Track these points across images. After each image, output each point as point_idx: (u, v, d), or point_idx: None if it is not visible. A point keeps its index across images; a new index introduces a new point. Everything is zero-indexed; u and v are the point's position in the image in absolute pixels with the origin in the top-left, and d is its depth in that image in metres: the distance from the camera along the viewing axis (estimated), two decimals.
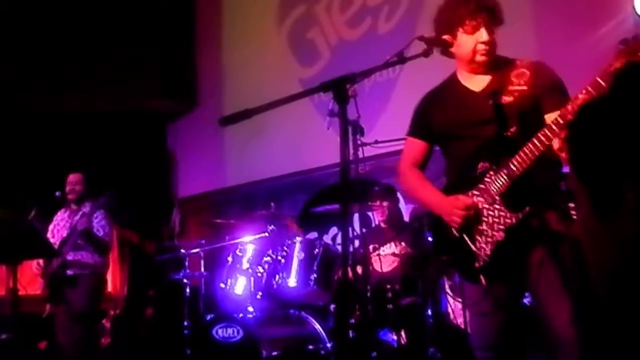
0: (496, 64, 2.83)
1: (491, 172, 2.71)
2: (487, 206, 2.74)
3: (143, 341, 7.46)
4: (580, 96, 2.45)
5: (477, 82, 2.87)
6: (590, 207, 2.63)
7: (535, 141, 2.55)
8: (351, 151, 3.89)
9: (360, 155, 4.15)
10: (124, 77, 8.22)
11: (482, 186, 2.75)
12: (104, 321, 7.26)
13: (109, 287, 7.79)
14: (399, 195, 5.83)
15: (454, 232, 2.83)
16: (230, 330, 4.61)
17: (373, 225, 5.57)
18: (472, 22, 2.76)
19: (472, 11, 2.75)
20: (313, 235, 6.90)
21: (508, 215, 2.67)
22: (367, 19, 6.99)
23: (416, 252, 5.18)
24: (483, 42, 2.77)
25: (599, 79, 2.41)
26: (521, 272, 2.71)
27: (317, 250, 4.84)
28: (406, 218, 6.02)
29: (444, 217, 2.85)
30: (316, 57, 7.50)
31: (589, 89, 2.42)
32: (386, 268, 5.32)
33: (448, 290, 5.47)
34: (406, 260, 5.19)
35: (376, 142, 4.73)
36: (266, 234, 5.15)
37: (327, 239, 6.82)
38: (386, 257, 5.33)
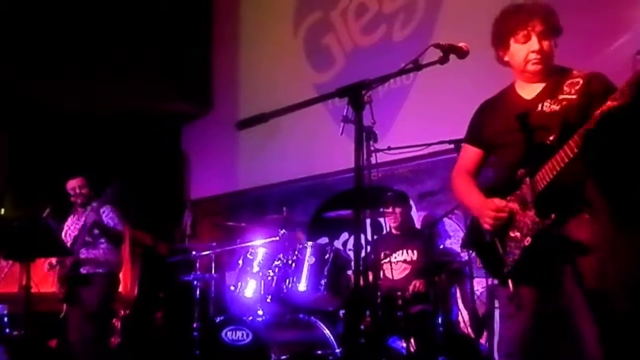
0: (552, 73, 2.87)
1: (527, 179, 2.75)
2: (520, 212, 2.78)
3: (152, 342, 7.49)
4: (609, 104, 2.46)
5: (530, 91, 2.92)
6: (609, 217, 2.63)
7: (566, 149, 2.58)
8: (364, 157, 3.90)
9: (373, 162, 4.15)
10: (140, 79, 8.25)
11: (518, 192, 2.80)
12: (114, 321, 7.29)
13: (120, 287, 7.83)
14: (411, 202, 5.83)
15: (488, 235, 2.90)
16: (239, 333, 4.62)
17: (384, 231, 5.57)
18: (522, 31, 2.83)
19: (523, 21, 2.82)
20: (324, 240, 6.91)
21: (537, 221, 2.70)
22: (383, 25, 7.00)
23: (427, 260, 5.17)
24: (534, 51, 2.82)
25: (622, 89, 2.42)
26: (552, 280, 2.73)
27: (327, 255, 4.84)
28: (418, 225, 6.02)
29: (479, 219, 2.94)
30: (331, 63, 7.51)
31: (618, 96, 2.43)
32: (397, 275, 5.32)
33: (459, 299, 5.47)
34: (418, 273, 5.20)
35: (389, 148, 4.74)
36: (277, 238, 5.16)
37: (337, 244, 6.82)
38: (397, 264, 5.34)
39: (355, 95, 2.42)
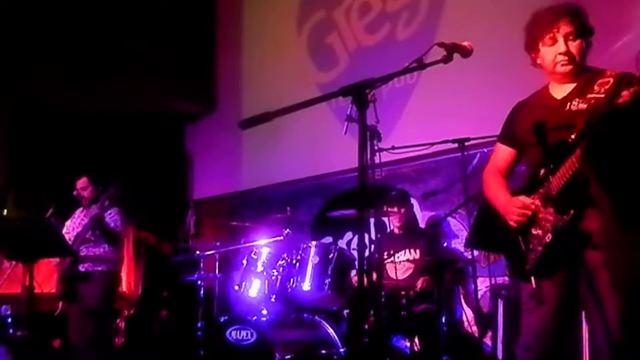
0: (585, 73, 2.88)
1: (550, 177, 2.77)
2: (542, 210, 2.81)
3: (157, 342, 7.49)
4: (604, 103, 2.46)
5: (561, 91, 2.93)
6: (612, 215, 2.64)
7: (578, 151, 2.59)
8: (368, 156, 3.90)
9: (377, 161, 4.14)
10: (144, 78, 8.26)
11: (541, 190, 2.83)
12: (118, 321, 7.29)
13: (124, 287, 7.83)
14: (412, 201, 5.82)
15: (512, 232, 2.93)
16: (243, 333, 4.62)
17: (388, 231, 5.57)
18: (549, 34, 2.85)
19: (549, 23, 2.85)
20: (328, 239, 6.91)
21: (557, 217, 2.73)
22: (386, 24, 6.99)
23: (431, 259, 5.17)
24: (561, 53, 2.84)
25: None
26: (574, 276, 2.76)
27: (331, 254, 4.84)
28: (422, 224, 6.02)
29: (505, 216, 2.96)
30: (334, 62, 7.51)
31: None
32: (401, 275, 5.31)
33: (462, 299, 5.47)
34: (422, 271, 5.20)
35: (393, 148, 4.74)
36: (281, 238, 5.16)
37: (341, 244, 6.82)
38: (401, 264, 5.33)
39: (359, 94, 2.42)
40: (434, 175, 6.27)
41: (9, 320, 6.43)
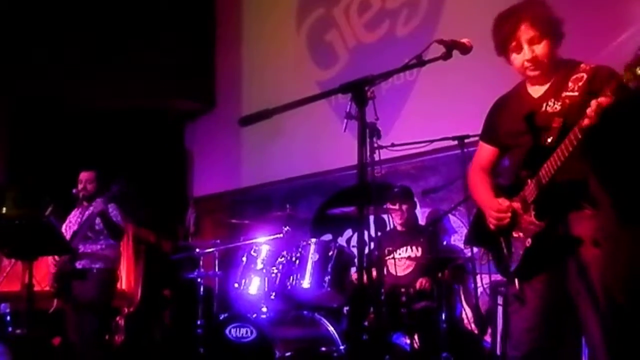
0: (559, 68, 2.85)
1: (529, 180, 2.76)
2: (522, 213, 2.80)
3: (157, 339, 7.49)
4: (600, 100, 2.43)
5: (537, 89, 2.91)
6: (612, 213, 2.63)
7: (562, 148, 2.57)
8: (367, 154, 3.89)
9: (376, 158, 4.14)
10: (144, 76, 8.25)
11: (521, 194, 2.81)
12: (117, 319, 7.29)
13: (124, 285, 7.84)
14: (415, 199, 5.82)
15: (495, 234, 2.94)
16: (243, 330, 4.62)
17: (388, 228, 5.56)
18: (513, 42, 2.83)
19: (511, 31, 2.81)
20: (328, 237, 6.90)
21: (536, 222, 2.72)
22: (386, 22, 6.98)
23: (431, 256, 5.17)
24: (527, 60, 2.82)
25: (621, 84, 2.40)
26: (557, 275, 2.76)
27: (331, 252, 4.84)
28: (422, 222, 6.01)
29: (486, 217, 2.96)
30: (334, 60, 7.50)
31: (609, 93, 2.41)
32: (401, 272, 5.32)
33: (462, 296, 5.47)
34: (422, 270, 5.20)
35: (392, 145, 4.75)
36: (281, 235, 5.16)
37: (341, 241, 6.82)
38: (401, 261, 5.33)
39: (359, 91, 2.42)
40: (434, 173, 6.27)
41: (9, 318, 6.43)
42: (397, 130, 6.11)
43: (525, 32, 2.79)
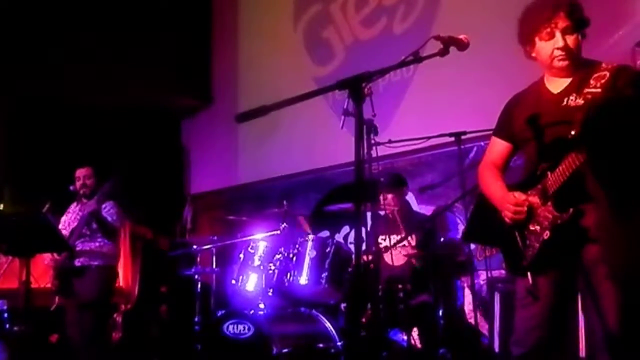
0: (581, 67, 2.85)
1: (548, 173, 2.76)
2: (540, 206, 2.80)
3: (154, 336, 7.49)
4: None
5: (557, 85, 2.90)
6: (609, 208, 2.64)
7: (574, 155, 2.59)
8: (365, 150, 3.89)
9: (374, 155, 4.14)
10: (140, 73, 8.25)
11: (539, 186, 2.81)
12: (115, 316, 7.29)
13: (121, 282, 7.83)
14: (404, 186, 5.77)
15: (509, 228, 2.92)
16: (241, 327, 4.62)
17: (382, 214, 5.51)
18: (546, 29, 2.81)
19: (546, 17, 2.80)
20: (325, 233, 6.91)
21: (556, 215, 2.72)
22: (383, 18, 6.98)
23: (427, 253, 5.16)
24: (559, 48, 2.80)
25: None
26: (570, 270, 2.77)
27: (329, 248, 4.84)
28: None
29: (501, 212, 2.94)
30: (331, 56, 7.50)
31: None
32: (397, 262, 5.28)
33: (465, 291, 5.46)
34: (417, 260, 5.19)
35: (390, 141, 4.74)
36: (278, 232, 5.16)
37: (339, 237, 6.82)
38: (396, 250, 5.30)
39: (356, 87, 2.42)
40: (431, 169, 6.27)
41: (6, 315, 6.42)
42: (394, 127, 6.10)
43: (562, 21, 2.79)
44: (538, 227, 2.80)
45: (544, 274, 2.81)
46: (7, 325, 6.34)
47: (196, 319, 5.47)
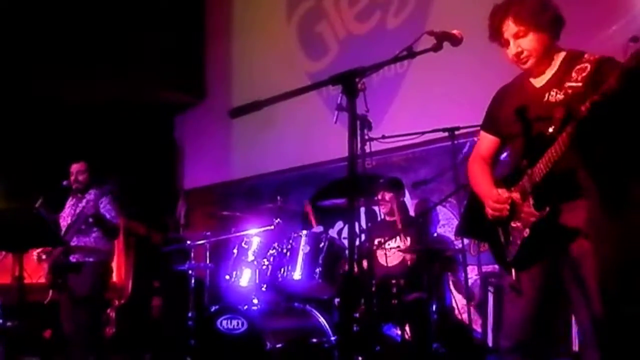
0: (564, 57, 2.83)
1: (528, 170, 2.75)
2: (521, 203, 2.80)
3: (147, 332, 7.49)
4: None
5: (539, 79, 2.89)
6: (600, 203, 2.64)
7: (560, 142, 2.57)
8: (358, 146, 3.89)
9: (367, 150, 4.14)
10: (133, 68, 8.22)
11: (520, 183, 2.80)
12: (108, 311, 7.28)
13: (114, 277, 7.82)
14: (404, 189, 5.82)
15: (493, 224, 2.93)
16: (234, 322, 4.63)
17: (379, 219, 5.57)
18: (500, 39, 2.84)
19: (496, 28, 2.83)
20: (318, 229, 6.91)
21: (534, 212, 2.72)
22: (376, 13, 6.98)
23: (421, 248, 5.18)
24: (513, 55, 2.83)
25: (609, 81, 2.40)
26: (553, 267, 2.76)
27: (322, 244, 4.84)
28: (412, 213, 6.02)
29: (485, 207, 2.95)
30: (324, 51, 7.50)
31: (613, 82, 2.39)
32: (391, 262, 5.33)
33: (452, 286, 5.49)
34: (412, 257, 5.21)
35: (383, 137, 4.75)
36: (272, 227, 5.16)
37: (332, 233, 6.83)
38: (391, 251, 5.34)
39: (349, 82, 2.41)
40: (424, 164, 6.28)
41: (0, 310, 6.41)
42: (387, 122, 6.11)
43: (510, 29, 2.79)
44: (520, 224, 2.80)
45: (528, 270, 2.81)
46: (1, 321, 6.33)
47: (190, 314, 5.46)
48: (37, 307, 5.77)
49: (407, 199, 6.09)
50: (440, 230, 6.00)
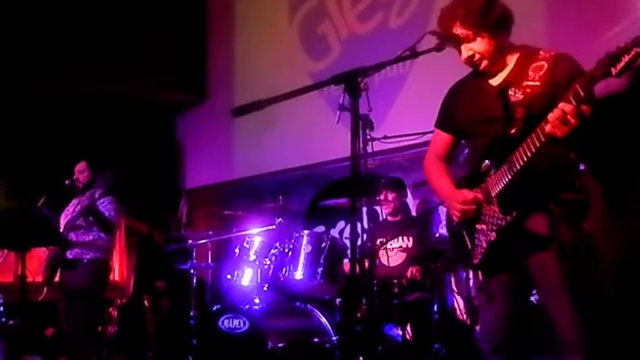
0: (518, 54, 2.76)
1: (491, 172, 2.69)
2: (485, 205, 2.72)
3: (149, 331, 7.49)
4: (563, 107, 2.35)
5: (496, 77, 2.81)
6: (603, 206, 2.63)
7: (529, 142, 2.48)
8: (360, 146, 3.89)
9: (369, 150, 4.15)
10: (135, 69, 8.23)
11: (484, 185, 2.73)
12: (110, 310, 7.28)
13: (116, 276, 7.83)
14: (407, 190, 5.82)
15: (457, 226, 2.85)
16: (236, 322, 4.63)
17: (380, 219, 5.57)
18: (451, 44, 2.75)
19: (442, 35, 2.73)
20: (320, 228, 6.91)
21: (500, 217, 2.64)
22: (379, 13, 6.98)
23: (423, 248, 5.18)
24: (464, 60, 2.79)
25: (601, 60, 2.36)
26: (522, 271, 2.69)
27: (324, 243, 4.84)
28: (414, 213, 6.02)
29: (449, 209, 2.88)
30: (326, 51, 7.49)
31: (571, 99, 2.34)
32: (393, 263, 5.33)
33: (454, 287, 5.49)
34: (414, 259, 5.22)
35: (385, 137, 4.75)
36: (274, 227, 5.16)
37: (334, 232, 6.83)
38: (393, 251, 5.34)
39: (351, 82, 2.40)
40: None
41: (2, 309, 6.41)
42: (389, 122, 6.11)
43: (459, 33, 2.72)
44: (484, 227, 2.72)
45: (495, 275, 2.75)
46: (3, 320, 6.34)
47: (192, 314, 5.46)
48: (39, 306, 5.78)
49: (409, 199, 6.09)
50: (442, 231, 5.99)
